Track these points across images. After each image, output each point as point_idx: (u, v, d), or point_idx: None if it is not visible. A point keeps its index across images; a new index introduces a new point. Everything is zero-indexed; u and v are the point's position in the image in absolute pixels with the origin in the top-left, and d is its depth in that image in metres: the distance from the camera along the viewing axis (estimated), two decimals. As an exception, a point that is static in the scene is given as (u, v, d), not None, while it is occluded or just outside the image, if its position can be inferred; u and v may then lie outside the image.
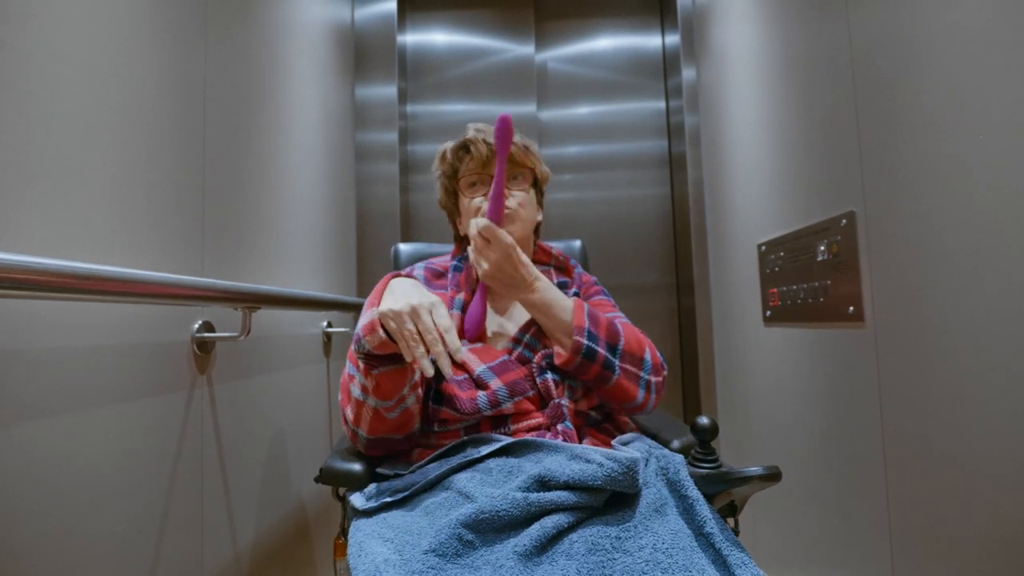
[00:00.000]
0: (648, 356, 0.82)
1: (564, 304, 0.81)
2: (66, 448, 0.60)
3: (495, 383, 0.76)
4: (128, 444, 0.70)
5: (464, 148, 0.90)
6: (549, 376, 0.78)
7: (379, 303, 0.66)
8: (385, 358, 0.69)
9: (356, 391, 0.74)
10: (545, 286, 0.82)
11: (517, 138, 0.89)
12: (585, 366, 0.77)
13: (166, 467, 0.77)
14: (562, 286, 0.92)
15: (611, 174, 1.99)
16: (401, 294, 0.66)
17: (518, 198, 0.88)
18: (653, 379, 0.82)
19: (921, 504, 0.86)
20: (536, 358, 0.80)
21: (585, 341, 0.77)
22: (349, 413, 0.76)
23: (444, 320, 0.64)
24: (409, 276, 0.75)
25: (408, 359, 0.63)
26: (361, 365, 0.70)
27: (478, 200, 0.89)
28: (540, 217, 0.98)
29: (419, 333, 0.63)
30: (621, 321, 0.86)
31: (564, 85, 2.02)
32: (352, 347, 0.72)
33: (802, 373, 1.21)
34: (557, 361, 0.78)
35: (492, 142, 0.84)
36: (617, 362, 0.78)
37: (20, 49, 0.56)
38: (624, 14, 2.04)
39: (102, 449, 0.65)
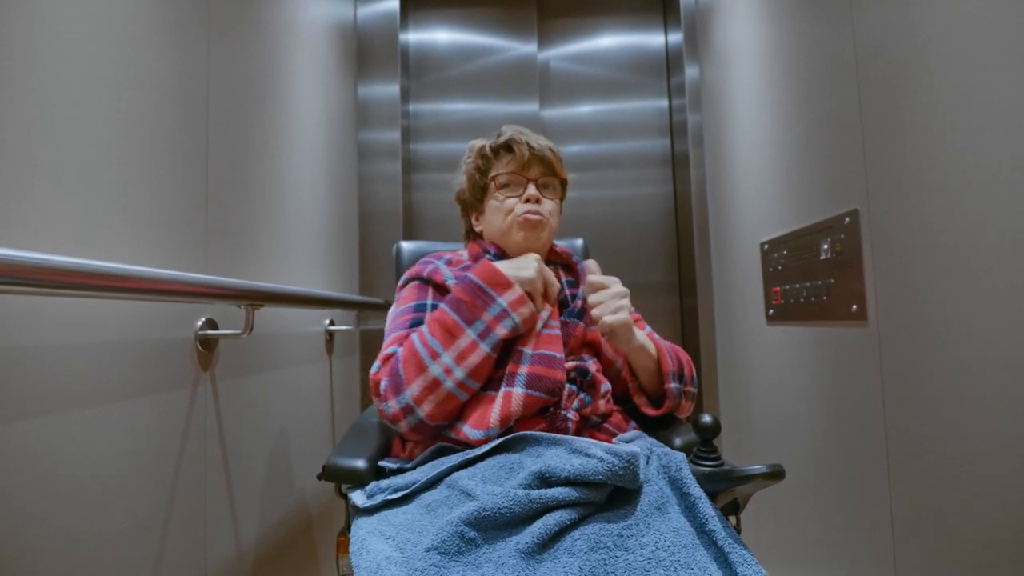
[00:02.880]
0: (694, 374, 0.89)
1: (648, 343, 0.86)
2: (69, 446, 0.60)
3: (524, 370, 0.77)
4: (131, 441, 0.70)
5: (507, 147, 0.91)
6: (572, 387, 0.79)
7: (501, 288, 0.79)
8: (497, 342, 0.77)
9: (437, 370, 0.74)
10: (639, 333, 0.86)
11: (553, 146, 0.93)
12: (668, 404, 0.85)
13: (170, 464, 0.78)
14: (570, 284, 0.92)
15: (614, 173, 1.99)
16: (516, 267, 0.82)
17: (549, 207, 0.91)
18: (693, 390, 0.89)
19: (923, 503, 0.86)
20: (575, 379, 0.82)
21: (674, 384, 0.84)
22: (414, 390, 0.74)
23: (549, 275, 0.86)
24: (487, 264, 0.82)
25: (540, 307, 0.82)
26: (473, 342, 0.76)
27: (511, 201, 0.90)
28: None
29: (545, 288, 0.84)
30: (669, 343, 0.91)
31: (567, 84, 2.02)
32: (493, 329, 0.77)
33: (805, 372, 1.21)
34: (649, 412, 0.86)
35: (534, 146, 0.90)
36: (683, 387, 0.86)
37: (22, 46, 0.56)
38: (627, 12, 2.03)
39: (105, 446, 0.66)
